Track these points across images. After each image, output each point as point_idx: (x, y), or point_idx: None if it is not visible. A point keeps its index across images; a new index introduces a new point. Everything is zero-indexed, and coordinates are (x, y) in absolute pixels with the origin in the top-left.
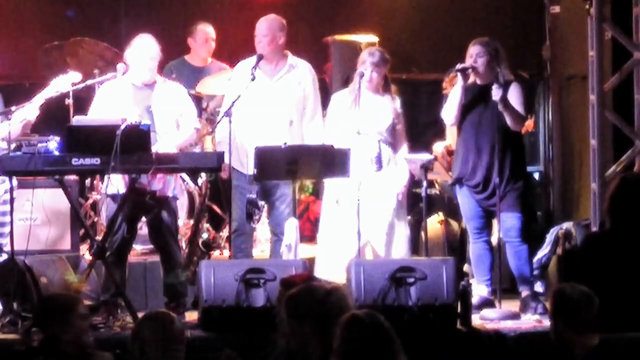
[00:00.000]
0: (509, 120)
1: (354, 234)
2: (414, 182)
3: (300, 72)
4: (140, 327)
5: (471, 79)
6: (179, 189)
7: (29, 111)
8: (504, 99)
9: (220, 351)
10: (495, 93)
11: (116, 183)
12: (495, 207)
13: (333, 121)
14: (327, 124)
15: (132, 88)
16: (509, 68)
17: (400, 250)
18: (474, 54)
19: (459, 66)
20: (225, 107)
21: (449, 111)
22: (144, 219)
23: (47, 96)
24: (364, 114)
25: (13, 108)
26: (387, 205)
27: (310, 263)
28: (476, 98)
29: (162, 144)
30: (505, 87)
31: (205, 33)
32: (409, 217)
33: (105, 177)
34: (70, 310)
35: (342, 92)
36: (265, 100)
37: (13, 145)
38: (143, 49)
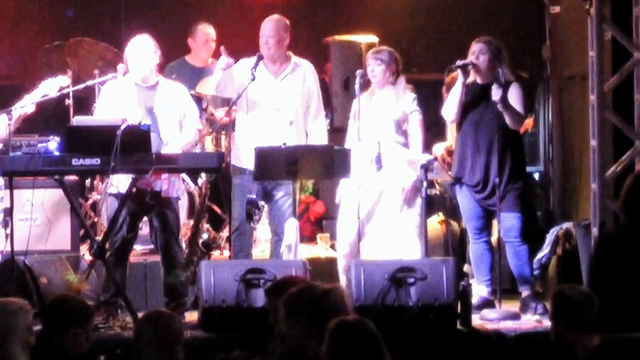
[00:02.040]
0: (508, 120)
1: (370, 234)
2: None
3: (303, 70)
4: (140, 327)
5: (471, 77)
6: (180, 189)
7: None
8: (504, 99)
9: (220, 351)
10: (495, 93)
11: (117, 183)
12: (495, 207)
13: (350, 126)
14: (349, 130)
15: (135, 88)
16: (510, 68)
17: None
18: (477, 51)
19: (459, 62)
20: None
21: (449, 108)
22: (144, 219)
23: (35, 99)
24: (371, 114)
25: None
26: (393, 205)
27: (310, 263)
28: (476, 97)
29: (167, 149)
30: (505, 87)
31: (205, 34)
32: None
33: (108, 176)
34: (81, 321)
35: (362, 97)
36: (271, 99)
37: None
38: (139, 48)
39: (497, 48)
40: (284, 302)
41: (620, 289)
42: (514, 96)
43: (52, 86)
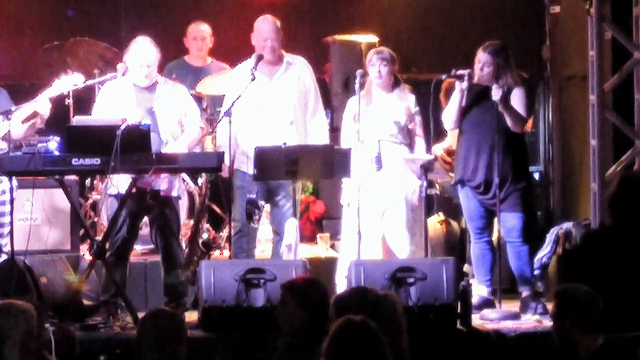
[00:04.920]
0: (509, 121)
1: (374, 235)
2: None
3: (297, 67)
4: (141, 326)
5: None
6: (180, 189)
7: (34, 108)
8: (504, 100)
9: (220, 352)
10: (495, 93)
11: (117, 183)
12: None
13: (348, 127)
14: (343, 130)
15: (135, 89)
16: (515, 72)
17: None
18: (482, 62)
19: (456, 72)
20: (225, 108)
21: (449, 116)
22: (144, 219)
23: (50, 96)
24: (373, 115)
25: (13, 108)
26: (399, 206)
27: (310, 263)
28: (477, 98)
29: (172, 147)
30: (508, 91)
31: (195, 31)
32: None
33: (108, 176)
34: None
35: (356, 97)
36: (267, 100)
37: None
38: (139, 55)
39: (505, 56)
40: (334, 304)
41: (605, 288)
42: (517, 99)
43: (66, 83)
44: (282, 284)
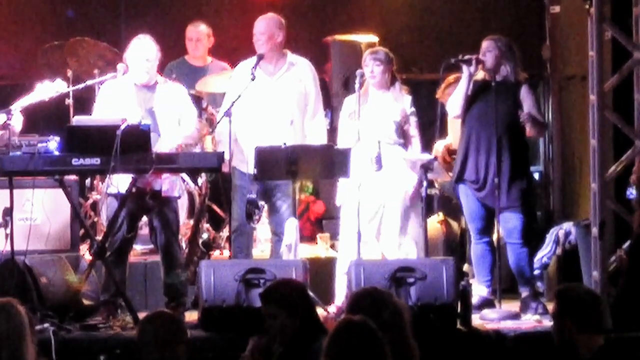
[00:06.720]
0: (533, 132)
1: (372, 235)
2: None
3: (300, 69)
4: (141, 328)
5: (480, 75)
6: (180, 188)
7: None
8: (530, 117)
9: (220, 351)
10: (524, 118)
11: (117, 183)
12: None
13: (345, 125)
14: (339, 128)
15: (135, 88)
16: (520, 67)
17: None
18: (484, 49)
19: (463, 56)
20: (225, 107)
21: (455, 102)
22: (144, 219)
23: (29, 102)
24: (369, 115)
25: (12, 106)
26: (395, 206)
27: (310, 263)
28: (479, 94)
29: (163, 141)
30: (516, 86)
31: (194, 32)
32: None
33: (108, 176)
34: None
35: (353, 96)
36: (266, 99)
37: None
38: (139, 50)
39: (507, 45)
40: (350, 298)
41: None
42: (529, 99)
43: (48, 90)
44: (264, 297)
